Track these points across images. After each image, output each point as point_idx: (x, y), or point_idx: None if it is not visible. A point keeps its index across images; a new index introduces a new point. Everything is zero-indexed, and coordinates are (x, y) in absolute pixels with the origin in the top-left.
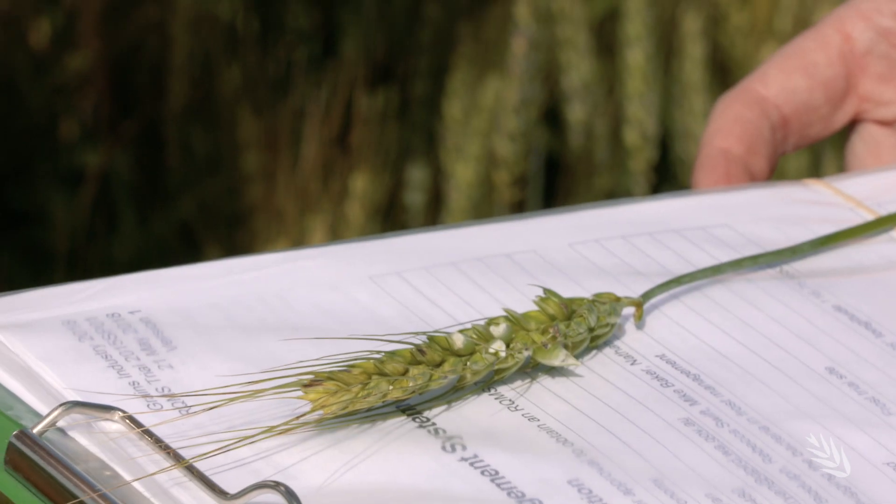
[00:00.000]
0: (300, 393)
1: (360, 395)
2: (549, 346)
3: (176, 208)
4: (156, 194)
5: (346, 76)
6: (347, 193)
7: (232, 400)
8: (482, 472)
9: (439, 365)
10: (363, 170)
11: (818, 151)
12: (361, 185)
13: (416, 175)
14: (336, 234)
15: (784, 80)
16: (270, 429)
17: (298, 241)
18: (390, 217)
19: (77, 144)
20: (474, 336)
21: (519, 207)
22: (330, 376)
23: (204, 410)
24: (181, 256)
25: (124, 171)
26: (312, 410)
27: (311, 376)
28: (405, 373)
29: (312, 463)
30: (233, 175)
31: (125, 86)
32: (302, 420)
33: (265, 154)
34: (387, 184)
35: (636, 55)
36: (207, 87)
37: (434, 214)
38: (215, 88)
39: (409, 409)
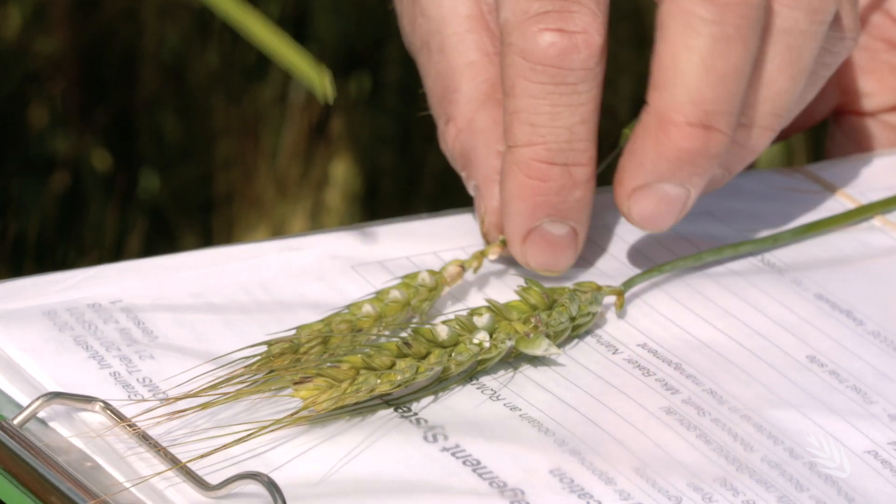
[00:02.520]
0: (290, 390)
1: (349, 390)
2: (532, 335)
3: (148, 196)
4: (128, 182)
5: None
6: (327, 181)
7: (219, 402)
8: (464, 462)
9: (425, 357)
10: (343, 157)
11: (791, 140)
12: (342, 173)
13: (389, 162)
14: (316, 221)
15: None
16: (261, 427)
17: (278, 229)
18: (369, 205)
19: (47, 132)
20: (458, 327)
21: None
22: (319, 373)
23: (184, 398)
24: (155, 245)
25: (95, 158)
26: (304, 408)
27: (300, 374)
28: (392, 366)
29: (297, 455)
30: (207, 162)
31: (96, 73)
32: (294, 417)
33: (241, 141)
34: (366, 171)
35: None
36: (179, 74)
37: (408, 202)
38: (187, 76)
39: (393, 400)
